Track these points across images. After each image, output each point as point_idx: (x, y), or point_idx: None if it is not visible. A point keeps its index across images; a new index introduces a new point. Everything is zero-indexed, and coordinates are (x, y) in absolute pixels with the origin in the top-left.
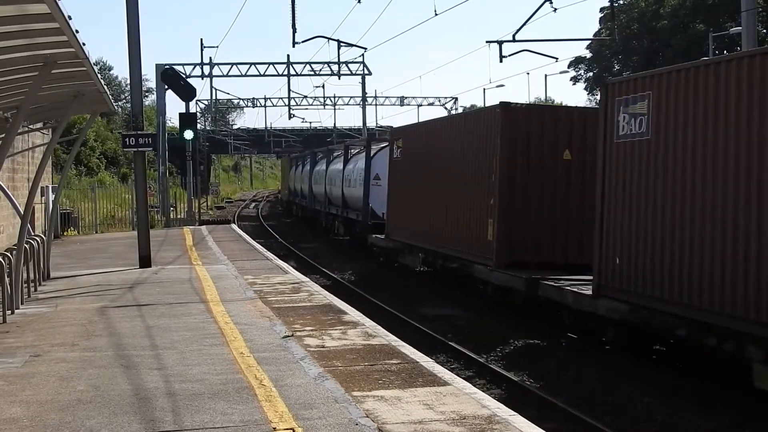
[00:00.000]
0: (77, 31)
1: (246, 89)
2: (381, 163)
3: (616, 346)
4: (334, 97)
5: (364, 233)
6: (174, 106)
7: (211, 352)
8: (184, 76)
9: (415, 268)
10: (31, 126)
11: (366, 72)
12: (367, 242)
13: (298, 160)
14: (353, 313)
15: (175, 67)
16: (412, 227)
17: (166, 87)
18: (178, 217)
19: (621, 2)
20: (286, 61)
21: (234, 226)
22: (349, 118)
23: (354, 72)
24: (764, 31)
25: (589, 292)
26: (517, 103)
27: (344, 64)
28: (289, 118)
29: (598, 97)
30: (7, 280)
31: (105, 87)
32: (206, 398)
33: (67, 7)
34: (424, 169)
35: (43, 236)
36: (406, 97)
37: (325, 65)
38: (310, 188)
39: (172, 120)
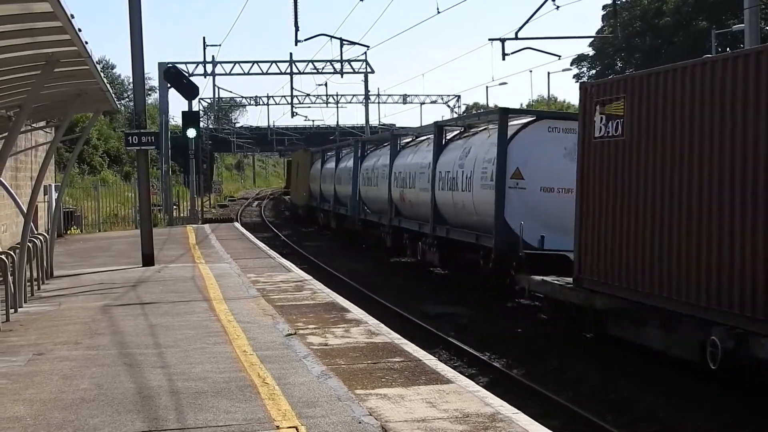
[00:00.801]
0: (80, 30)
1: (249, 87)
2: (525, 150)
3: None
4: (337, 95)
5: (504, 269)
6: (177, 104)
7: (214, 350)
8: (186, 75)
9: (683, 357)
10: (34, 125)
11: (368, 70)
12: (512, 284)
13: (326, 154)
14: (356, 311)
15: (177, 65)
16: (669, 275)
17: (169, 85)
18: (181, 215)
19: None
20: (288, 59)
21: (237, 225)
22: (351, 116)
23: (356, 70)
24: (767, 28)
25: None
26: None
27: (347, 63)
28: (292, 116)
29: None
30: (10, 278)
31: (107, 85)
32: (209, 396)
33: (69, 5)
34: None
35: (46, 235)
36: (408, 95)
37: (328, 63)
38: (355, 192)
39: (175, 118)
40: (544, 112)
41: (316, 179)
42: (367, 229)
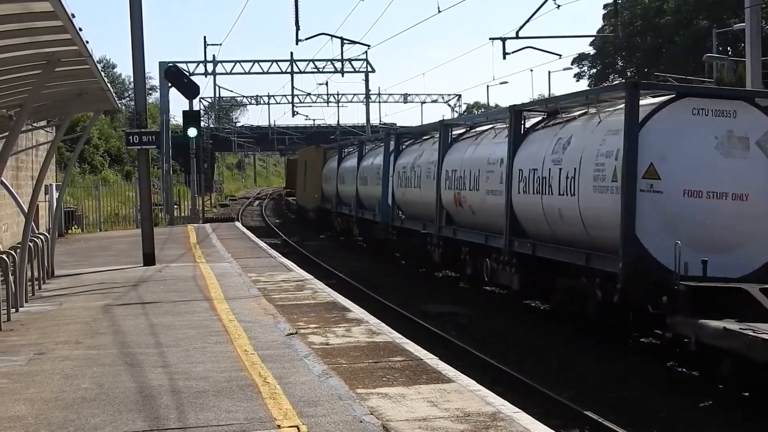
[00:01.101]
0: (80, 29)
1: (249, 87)
2: (662, 140)
3: None
4: (338, 94)
5: (637, 303)
6: (178, 103)
7: (215, 349)
8: (187, 74)
9: None
10: (34, 124)
11: (369, 69)
12: (660, 327)
13: (343, 151)
14: (357, 311)
15: (178, 64)
16: None
17: (170, 85)
18: (182, 214)
19: None
20: (289, 58)
21: (238, 224)
22: (352, 115)
23: (357, 69)
24: None
25: None
26: None
27: (347, 62)
28: (293, 115)
29: None
30: (11, 278)
31: (108, 85)
32: (210, 396)
33: (70, 5)
34: None
35: (47, 234)
36: (409, 95)
37: (329, 62)
38: (387, 194)
39: (176, 118)
40: (688, 87)
41: (331, 179)
42: (402, 238)
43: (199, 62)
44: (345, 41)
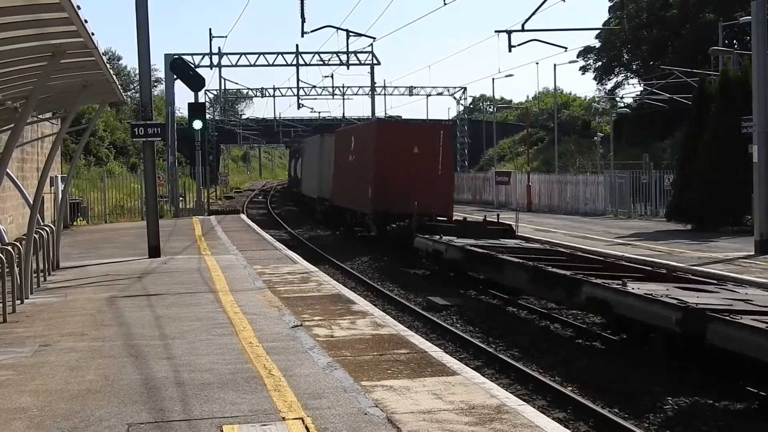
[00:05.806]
0: (86, 21)
1: (255, 79)
2: None
3: None
4: (343, 86)
5: None
6: (183, 96)
7: (220, 341)
8: (192, 66)
9: None
10: (40, 116)
11: (374, 62)
12: None
13: None
14: (362, 303)
15: (184, 57)
16: None
17: (175, 77)
18: (187, 207)
19: None
20: (294, 50)
21: (243, 216)
22: (357, 107)
23: (362, 62)
24: None
25: None
26: None
27: (353, 54)
28: (298, 108)
29: (608, 87)
30: (16, 269)
31: (114, 77)
32: (215, 388)
33: None
34: None
35: (52, 226)
36: (414, 87)
37: (334, 55)
38: None
39: (181, 110)
40: None
41: None
42: None
43: (204, 54)
44: (350, 33)
